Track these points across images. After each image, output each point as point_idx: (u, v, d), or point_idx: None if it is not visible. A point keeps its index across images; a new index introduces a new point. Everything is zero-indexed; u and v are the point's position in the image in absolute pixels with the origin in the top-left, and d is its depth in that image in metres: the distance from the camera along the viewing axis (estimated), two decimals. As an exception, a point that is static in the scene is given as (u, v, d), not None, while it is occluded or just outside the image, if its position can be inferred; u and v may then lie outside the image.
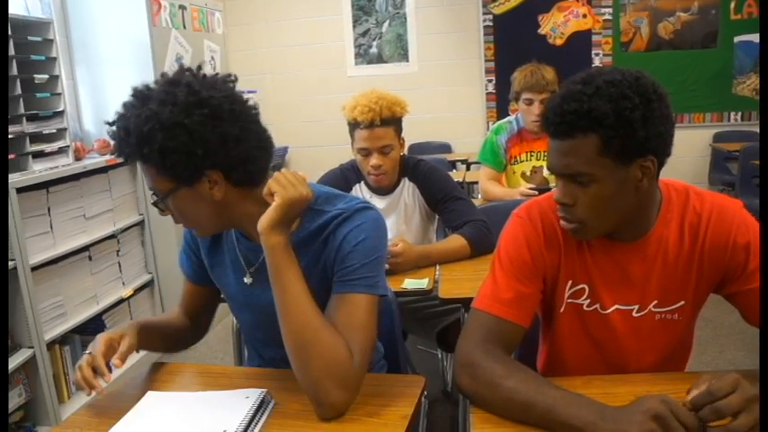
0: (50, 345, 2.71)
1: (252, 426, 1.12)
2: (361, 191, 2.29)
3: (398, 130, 2.19)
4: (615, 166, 1.11)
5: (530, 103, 2.94)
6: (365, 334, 1.18)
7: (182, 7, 3.63)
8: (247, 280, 1.33)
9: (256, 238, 1.20)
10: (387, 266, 1.97)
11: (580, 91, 1.10)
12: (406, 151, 2.35)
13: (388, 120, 2.12)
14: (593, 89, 1.09)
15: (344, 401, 1.14)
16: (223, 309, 1.53)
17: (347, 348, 1.14)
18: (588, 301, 1.27)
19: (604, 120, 1.07)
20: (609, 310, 1.26)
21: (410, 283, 1.92)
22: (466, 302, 1.89)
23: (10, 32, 2.59)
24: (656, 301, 1.24)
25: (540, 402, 1.03)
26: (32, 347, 2.54)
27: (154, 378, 1.36)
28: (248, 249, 1.32)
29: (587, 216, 1.17)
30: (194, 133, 1.11)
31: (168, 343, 1.48)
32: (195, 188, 1.18)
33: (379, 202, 2.27)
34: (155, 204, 1.24)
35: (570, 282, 1.27)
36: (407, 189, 2.28)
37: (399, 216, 2.28)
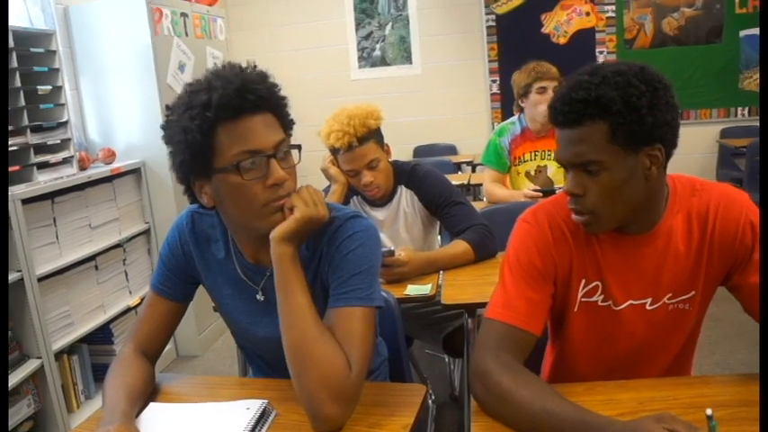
0: (58, 355, 2.72)
1: (252, 438, 1.12)
2: (358, 204, 2.29)
3: (379, 141, 2.16)
4: (624, 154, 1.12)
5: (543, 91, 2.92)
6: (363, 347, 1.17)
7: (183, 15, 3.64)
8: (260, 297, 1.33)
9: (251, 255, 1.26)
10: (394, 276, 1.98)
11: (587, 80, 1.13)
12: (411, 155, 2.35)
13: (366, 136, 2.09)
14: (600, 78, 1.12)
15: (340, 415, 1.12)
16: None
17: (346, 361, 1.14)
18: (602, 297, 1.28)
19: (612, 106, 1.10)
20: (622, 306, 1.27)
21: (413, 289, 1.92)
22: (469, 308, 1.90)
23: (13, 44, 2.60)
24: (669, 294, 1.25)
25: (546, 423, 1.04)
26: (40, 358, 2.55)
27: (156, 390, 1.35)
28: (249, 270, 1.33)
29: (598, 206, 1.17)
30: None
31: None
32: None
33: (378, 214, 2.26)
34: None
35: (584, 281, 1.28)
36: (405, 197, 2.26)
37: (401, 225, 2.27)
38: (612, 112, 1.10)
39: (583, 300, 1.29)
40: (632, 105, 1.09)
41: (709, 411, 0.88)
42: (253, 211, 1.19)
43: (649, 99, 1.10)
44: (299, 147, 1.26)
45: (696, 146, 5.06)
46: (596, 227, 1.21)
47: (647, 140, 1.13)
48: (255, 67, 1.23)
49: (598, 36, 5.09)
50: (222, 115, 1.14)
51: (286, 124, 1.26)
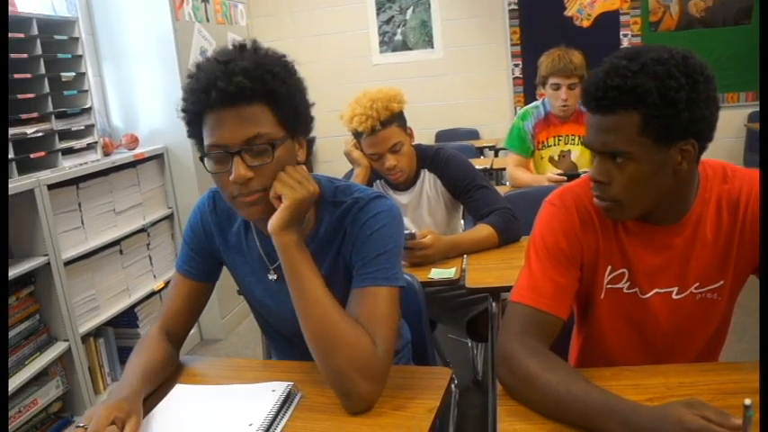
0: (85, 338, 2.76)
1: (278, 419, 1.12)
2: (381, 188, 2.28)
3: (402, 124, 2.14)
4: (655, 147, 1.08)
5: (557, 87, 2.90)
6: (388, 325, 1.18)
7: (204, 0, 3.64)
8: (272, 276, 1.33)
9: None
10: (417, 259, 1.98)
11: (625, 66, 1.07)
12: (433, 139, 2.33)
13: (389, 119, 2.07)
14: (639, 65, 1.06)
15: (372, 392, 1.13)
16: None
17: (370, 340, 1.14)
18: (628, 284, 1.25)
19: (647, 97, 1.05)
20: (648, 295, 1.24)
21: (437, 272, 1.91)
22: (493, 292, 1.89)
23: (36, 32, 2.62)
24: (697, 284, 1.22)
25: (572, 407, 1.02)
26: (68, 340, 2.59)
27: (182, 371, 1.37)
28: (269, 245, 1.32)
29: (622, 196, 1.14)
30: None
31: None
32: None
33: (401, 198, 2.25)
34: None
35: (609, 267, 1.25)
36: (428, 180, 2.25)
37: (424, 209, 2.26)
38: (647, 104, 1.05)
39: (609, 286, 1.27)
40: (669, 99, 1.04)
41: (747, 401, 0.86)
42: (227, 199, 1.21)
43: (688, 93, 1.04)
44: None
45: (724, 130, 4.91)
46: (618, 214, 1.19)
47: (681, 135, 1.08)
48: (256, 51, 1.19)
49: (622, 18, 5.00)
50: (206, 105, 1.14)
51: (284, 117, 1.18)
